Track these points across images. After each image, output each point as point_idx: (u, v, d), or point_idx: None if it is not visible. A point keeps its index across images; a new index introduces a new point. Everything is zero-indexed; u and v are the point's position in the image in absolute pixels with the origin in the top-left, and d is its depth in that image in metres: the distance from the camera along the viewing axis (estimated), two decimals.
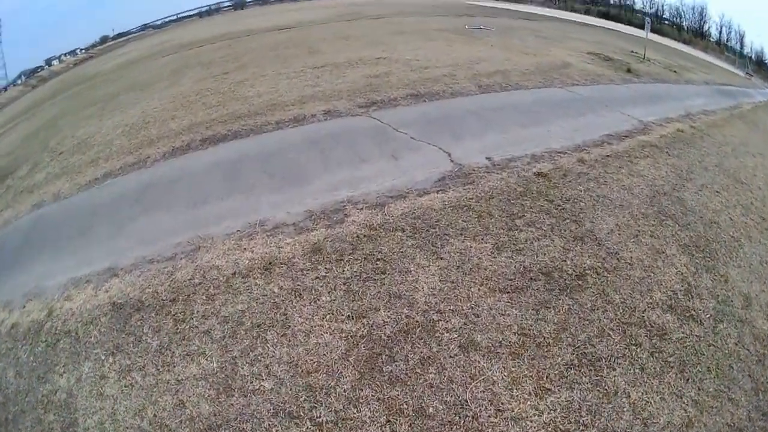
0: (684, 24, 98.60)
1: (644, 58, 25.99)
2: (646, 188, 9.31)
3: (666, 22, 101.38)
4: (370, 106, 12.13)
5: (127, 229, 8.41)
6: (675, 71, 24.54)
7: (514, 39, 23.16)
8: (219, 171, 9.66)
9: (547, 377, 5.27)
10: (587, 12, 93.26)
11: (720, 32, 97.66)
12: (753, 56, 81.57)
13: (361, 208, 7.91)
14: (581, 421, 4.91)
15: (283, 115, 11.84)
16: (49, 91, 33.99)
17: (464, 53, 18.03)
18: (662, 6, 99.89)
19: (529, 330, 5.74)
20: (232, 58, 20.65)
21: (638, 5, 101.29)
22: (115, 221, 8.74)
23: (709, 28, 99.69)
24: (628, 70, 19.99)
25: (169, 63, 24.42)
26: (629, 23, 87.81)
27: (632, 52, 27.91)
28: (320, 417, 4.90)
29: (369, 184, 8.67)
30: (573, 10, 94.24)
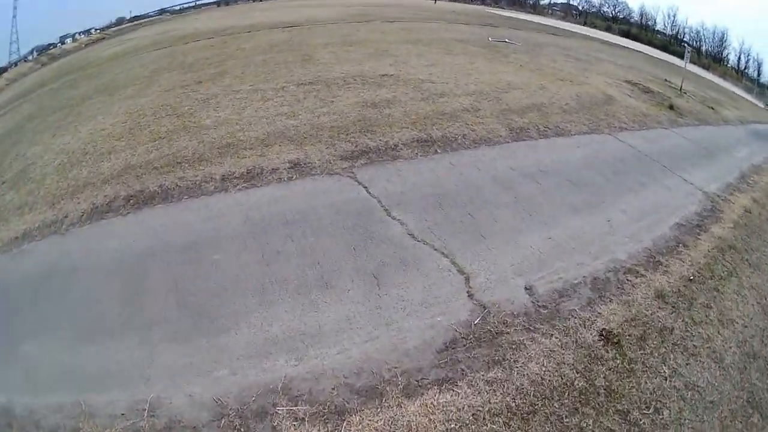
0: (703, 48, 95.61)
1: (681, 90, 23.01)
2: (738, 354, 6.08)
3: (685, 44, 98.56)
4: (357, 158, 8.68)
5: None
6: (712, 107, 21.53)
7: (543, 58, 19.62)
8: (119, 274, 6.37)
9: None
10: (608, 29, 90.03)
11: (738, 59, 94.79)
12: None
13: (300, 419, 4.49)
14: None
15: (235, 166, 8.40)
16: (49, 75, 30.28)
17: (490, 75, 14.52)
18: (683, 29, 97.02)
19: None
20: (217, 62, 17.21)
21: (659, 26, 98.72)
22: None
23: (727, 54, 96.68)
24: (671, 107, 16.87)
25: (154, 60, 20.86)
26: (649, 43, 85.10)
27: (666, 81, 25.08)
28: None
29: (322, 349, 5.29)
30: (594, 26, 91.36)
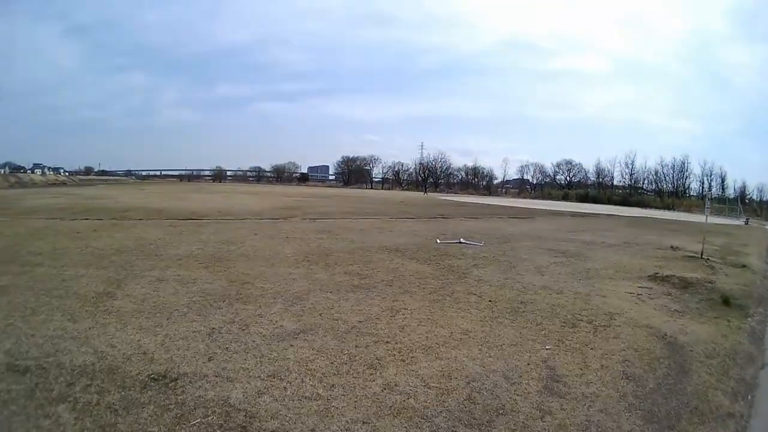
0: (663, 186, 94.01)
1: (702, 256, 16.84)
2: None
3: (642, 190, 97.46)
4: None
5: None
6: (744, 266, 15.90)
7: (521, 266, 12.81)
8: None
9: None
10: (565, 197, 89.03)
11: (702, 183, 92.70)
12: (737, 196, 74.74)
13: None
14: None
15: None
16: None
17: (432, 349, 6.49)
18: (644, 174, 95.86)
19: None
20: (76, 260, 11.07)
21: (617, 179, 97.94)
22: None
23: (690, 183, 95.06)
24: (726, 302, 9.83)
25: (43, 232, 13.67)
26: (609, 201, 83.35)
27: (672, 247, 19.54)
28: None
29: None
30: (550, 196, 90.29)
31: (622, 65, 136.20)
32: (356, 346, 6.05)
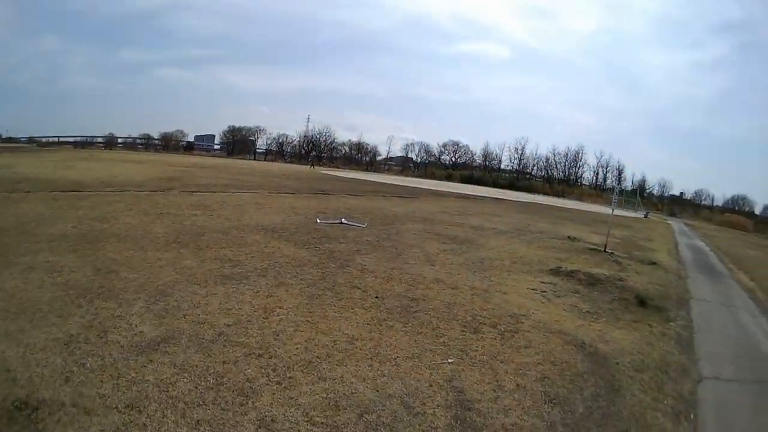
0: (554, 174, 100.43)
1: (605, 249, 17.36)
2: None
3: (530, 176, 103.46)
4: None
5: None
6: (654, 263, 16.28)
7: (410, 257, 11.46)
8: None
9: None
10: (449, 177, 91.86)
11: (596, 173, 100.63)
12: (635, 189, 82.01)
13: None
14: None
15: None
16: None
17: (332, 369, 5.31)
18: (534, 161, 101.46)
19: None
20: None
21: (505, 163, 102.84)
22: None
23: (582, 173, 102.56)
24: (642, 303, 9.79)
25: None
26: (494, 184, 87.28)
27: (570, 238, 20.03)
28: None
29: None
30: (434, 176, 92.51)
31: (523, 54, 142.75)
32: (224, 362, 5.30)
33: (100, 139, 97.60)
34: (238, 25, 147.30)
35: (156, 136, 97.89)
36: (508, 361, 6.05)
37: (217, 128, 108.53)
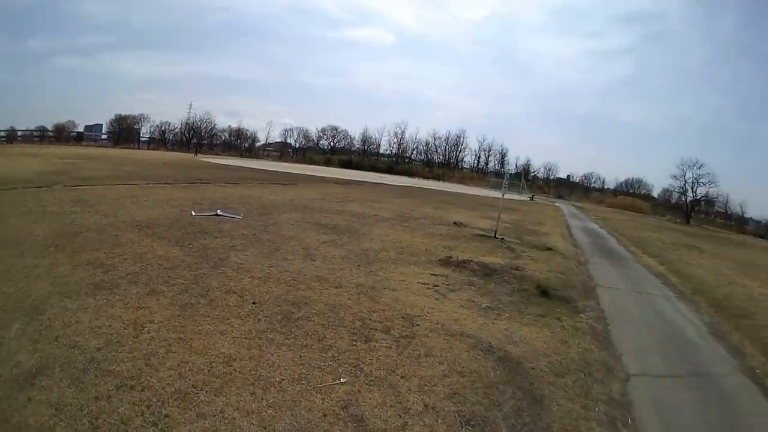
0: (435, 158, 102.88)
1: (496, 235, 17.01)
2: None
3: (409, 160, 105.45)
4: None
5: None
6: (550, 248, 16.24)
7: (288, 251, 10.27)
8: None
9: None
10: (328, 162, 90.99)
11: (478, 157, 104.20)
12: (519, 172, 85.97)
13: None
14: None
15: None
16: None
17: (210, 401, 4.50)
18: (414, 144, 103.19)
19: None
20: None
21: (384, 147, 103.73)
22: None
23: (464, 156, 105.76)
24: (545, 293, 9.43)
25: None
26: (373, 169, 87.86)
27: (456, 223, 19.77)
28: None
29: None
30: (312, 161, 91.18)
31: (408, 40, 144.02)
32: (96, 398, 4.49)
33: (2, 133, 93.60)
34: (130, 10, 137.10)
35: (50, 127, 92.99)
36: (409, 376, 5.19)
37: (105, 117, 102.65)
